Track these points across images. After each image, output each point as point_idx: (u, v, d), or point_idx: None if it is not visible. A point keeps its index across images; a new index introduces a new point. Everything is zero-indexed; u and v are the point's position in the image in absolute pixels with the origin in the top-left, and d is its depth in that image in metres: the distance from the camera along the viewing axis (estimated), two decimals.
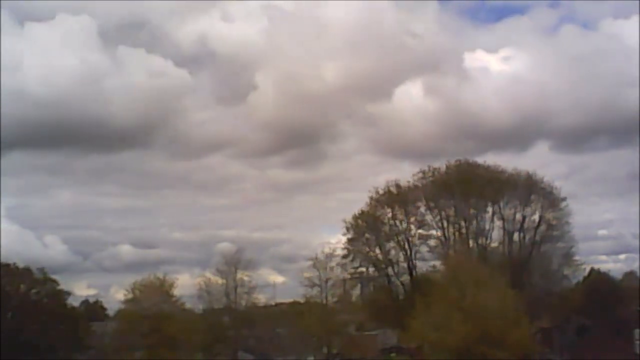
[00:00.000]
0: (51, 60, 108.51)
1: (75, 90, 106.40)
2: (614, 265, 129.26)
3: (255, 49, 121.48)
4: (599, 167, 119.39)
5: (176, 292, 55.57)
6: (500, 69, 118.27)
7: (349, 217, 59.63)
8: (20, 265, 58.79)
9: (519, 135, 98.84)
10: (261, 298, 57.32)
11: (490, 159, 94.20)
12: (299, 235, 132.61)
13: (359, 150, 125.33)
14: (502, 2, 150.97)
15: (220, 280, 55.65)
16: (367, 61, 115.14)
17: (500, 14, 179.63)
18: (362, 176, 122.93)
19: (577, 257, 60.89)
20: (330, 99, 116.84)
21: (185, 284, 61.64)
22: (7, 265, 57.68)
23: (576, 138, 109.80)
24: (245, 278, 55.52)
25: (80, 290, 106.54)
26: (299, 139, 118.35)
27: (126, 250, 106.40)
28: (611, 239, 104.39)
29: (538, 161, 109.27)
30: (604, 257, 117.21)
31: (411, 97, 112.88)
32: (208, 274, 56.79)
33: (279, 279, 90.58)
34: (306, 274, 55.75)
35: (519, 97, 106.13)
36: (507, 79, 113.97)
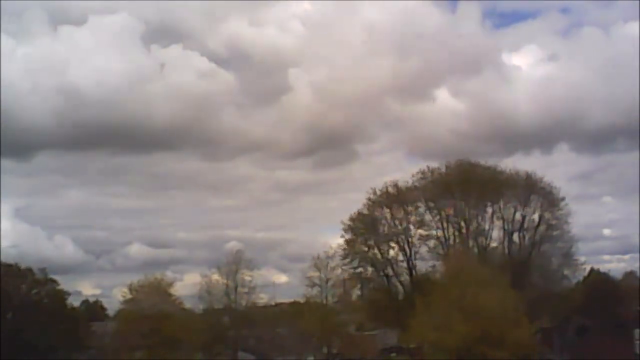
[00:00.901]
0: (90, 61, 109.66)
1: (114, 91, 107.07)
2: (619, 265, 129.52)
3: (290, 50, 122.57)
4: (618, 168, 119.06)
5: (185, 291, 55.82)
6: (531, 71, 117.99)
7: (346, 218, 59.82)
8: (23, 265, 59.05)
9: (545, 137, 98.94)
10: (264, 297, 57.54)
11: (518, 160, 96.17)
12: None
13: (391, 150, 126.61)
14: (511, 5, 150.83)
15: (221, 280, 55.73)
16: (404, 62, 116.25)
17: (511, 19, 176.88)
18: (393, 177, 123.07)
19: (577, 257, 60.97)
20: (365, 100, 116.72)
21: (197, 283, 61.14)
22: (8, 265, 57.77)
23: (598, 139, 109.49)
24: (247, 278, 55.65)
25: (87, 289, 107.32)
26: (331, 141, 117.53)
27: (137, 249, 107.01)
28: (618, 239, 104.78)
29: (561, 163, 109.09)
30: (608, 257, 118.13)
31: (446, 98, 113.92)
32: (208, 274, 56.96)
33: (283, 278, 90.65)
34: (310, 274, 55.98)
35: (549, 98, 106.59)
36: (538, 81, 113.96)
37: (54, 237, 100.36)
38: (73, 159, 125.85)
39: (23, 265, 59.20)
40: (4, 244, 76.78)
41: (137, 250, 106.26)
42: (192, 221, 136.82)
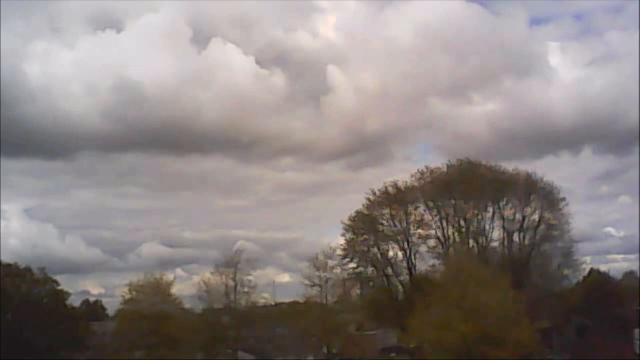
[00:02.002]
0: (136, 63, 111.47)
1: (159, 93, 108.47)
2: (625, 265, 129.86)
3: (332, 50, 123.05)
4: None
5: (194, 291, 55.85)
6: (569, 73, 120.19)
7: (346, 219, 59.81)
8: (24, 265, 59.14)
9: (577, 139, 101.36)
10: (268, 297, 57.59)
11: (550, 161, 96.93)
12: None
13: (427, 152, 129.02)
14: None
15: (221, 280, 55.70)
16: (443, 63, 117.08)
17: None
18: None
19: (577, 257, 61.04)
20: (405, 101, 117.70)
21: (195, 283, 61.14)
22: (8, 265, 57.78)
23: (623, 141, 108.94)
24: (251, 278, 55.67)
25: (96, 289, 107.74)
26: (369, 142, 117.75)
27: (150, 249, 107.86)
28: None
29: (586, 164, 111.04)
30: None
31: (485, 99, 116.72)
32: (208, 274, 56.95)
33: (285, 278, 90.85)
34: (310, 274, 56.00)
35: (586, 101, 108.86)
36: (575, 83, 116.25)
37: (85, 236, 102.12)
38: (114, 159, 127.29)
39: (23, 265, 59.29)
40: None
41: (150, 249, 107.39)
42: (221, 221, 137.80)
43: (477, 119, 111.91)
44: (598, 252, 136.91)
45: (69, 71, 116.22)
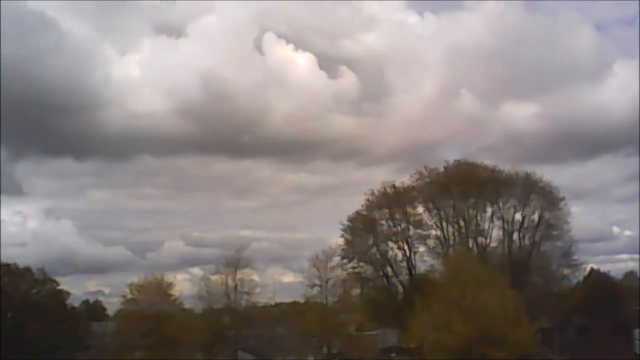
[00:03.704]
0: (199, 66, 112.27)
1: (220, 97, 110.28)
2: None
3: (392, 55, 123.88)
4: None
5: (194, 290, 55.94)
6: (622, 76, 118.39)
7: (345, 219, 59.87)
8: (22, 264, 59.09)
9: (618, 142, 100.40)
10: (271, 295, 57.67)
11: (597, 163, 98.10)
12: None
13: (478, 155, 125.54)
14: None
15: (221, 280, 55.71)
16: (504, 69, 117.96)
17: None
18: None
19: (577, 257, 61.03)
20: (461, 105, 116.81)
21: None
22: (8, 265, 57.76)
23: None
24: (255, 277, 55.73)
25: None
26: (422, 146, 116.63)
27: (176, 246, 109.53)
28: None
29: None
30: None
31: (539, 103, 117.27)
32: (208, 274, 56.97)
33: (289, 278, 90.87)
34: (310, 274, 56.01)
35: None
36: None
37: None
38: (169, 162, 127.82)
39: (22, 265, 59.26)
40: None
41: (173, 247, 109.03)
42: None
43: (524, 121, 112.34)
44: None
45: (134, 74, 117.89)
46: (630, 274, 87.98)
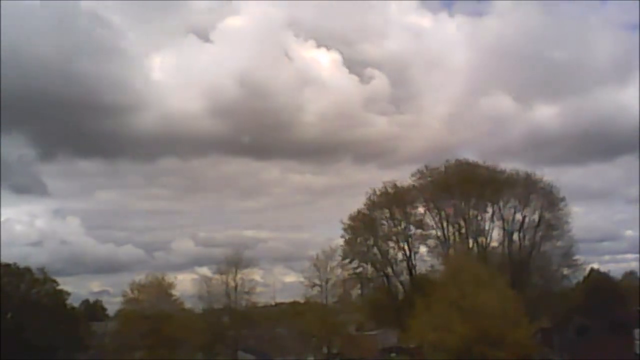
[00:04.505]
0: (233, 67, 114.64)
1: (254, 97, 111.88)
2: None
3: (416, 58, 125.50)
4: None
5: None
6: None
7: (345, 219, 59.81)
8: (22, 265, 59.10)
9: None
10: (273, 296, 57.74)
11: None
12: None
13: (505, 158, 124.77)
14: None
15: (221, 280, 55.74)
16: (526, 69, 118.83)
17: None
18: None
19: (577, 257, 60.99)
20: (486, 107, 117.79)
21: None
22: (7, 265, 57.76)
23: None
24: (257, 277, 55.77)
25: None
26: (445, 148, 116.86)
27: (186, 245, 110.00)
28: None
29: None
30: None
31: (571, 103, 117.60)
32: (208, 274, 57.02)
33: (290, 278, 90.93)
34: (310, 273, 56.04)
35: None
36: None
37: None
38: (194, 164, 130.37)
39: (22, 265, 59.28)
40: None
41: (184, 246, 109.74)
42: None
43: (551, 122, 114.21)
44: None
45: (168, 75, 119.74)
46: (630, 274, 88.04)
